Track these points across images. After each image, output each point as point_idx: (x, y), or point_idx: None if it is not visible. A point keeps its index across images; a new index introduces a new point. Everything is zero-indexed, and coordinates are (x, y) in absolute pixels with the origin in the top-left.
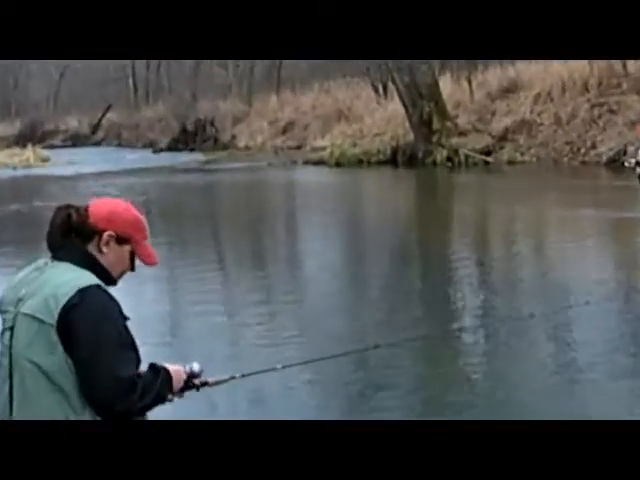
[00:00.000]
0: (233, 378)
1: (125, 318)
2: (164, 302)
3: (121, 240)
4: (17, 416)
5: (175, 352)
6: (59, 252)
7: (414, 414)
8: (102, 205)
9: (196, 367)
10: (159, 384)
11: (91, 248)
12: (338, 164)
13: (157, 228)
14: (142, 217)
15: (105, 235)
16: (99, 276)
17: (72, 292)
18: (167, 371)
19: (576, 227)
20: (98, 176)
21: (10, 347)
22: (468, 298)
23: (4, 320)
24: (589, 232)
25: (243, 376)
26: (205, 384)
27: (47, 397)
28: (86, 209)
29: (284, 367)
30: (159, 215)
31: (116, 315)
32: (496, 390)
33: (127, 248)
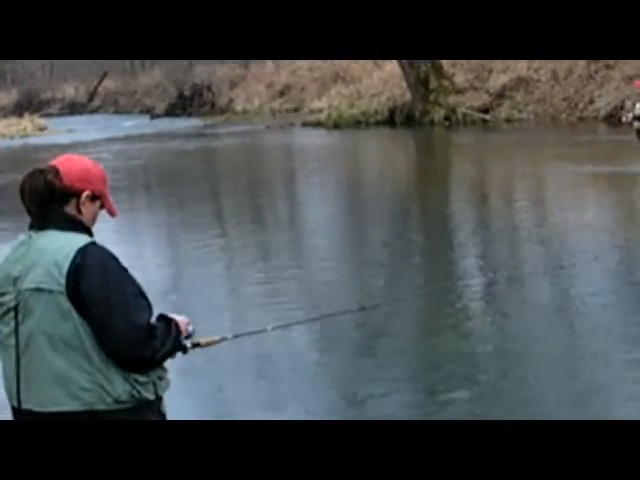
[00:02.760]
0: (224, 339)
1: (124, 269)
2: (163, 264)
3: (94, 197)
4: (29, 396)
5: (171, 309)
6: (42, 221)
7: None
8: (72, 164)
9: (190, 328)
10: (174, 332)
11: (69, 209)
12: (336, 125)
13: (155, 192)
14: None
15: (83, 196)
16: (83, 232)
17: (72, 254)
18: (176, 322)
19: (574, 182)
20: (95, 144)
21: (17, 326)
22: (468, 256)
23: (2, 303)
24: (587, 187)
25: (235, 337)
26: (197, 345)
27: (67, 364)
28: (57, 170)
29: (274, 329)
30: (157, 179)
31: (120, 267)
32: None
33: (97, 204)
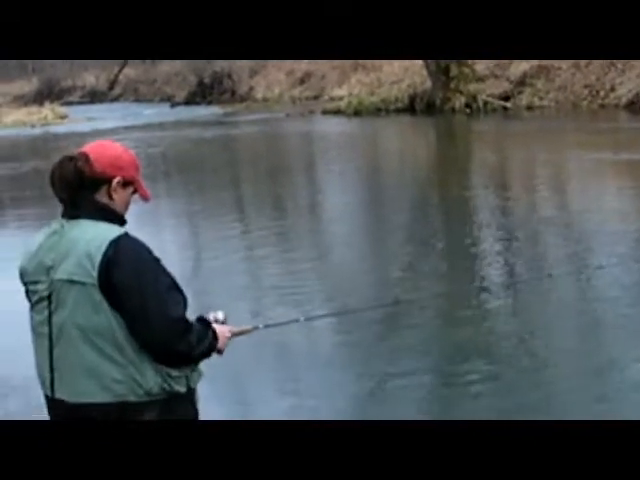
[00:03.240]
0: (256, 328)
1: (157, 260)
2: (183, 252)
3: (126, 183)
4: (62, 386)
5: (196, 298)
6: (74, 210)
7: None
8: (103, 150)
9: (221, 315)
10: (211, 334)
11: (100, 197)
12: (356, 113)
13: (175, 179)
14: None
15: (114, 182)
16: (116, 222)
17: (104, 246)
18: (214, 329)
19: (597, 170)
20: (116, 132)
21: (50, 315)
22: (490, 246)
23: (35, 291)
24: (607, 174)
25: (266, 327)
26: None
27: (98, 355)
28: (87, 157)
29: (307, 319)
30: (177, 167)
31: (153, 259)
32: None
33: (130, 190)
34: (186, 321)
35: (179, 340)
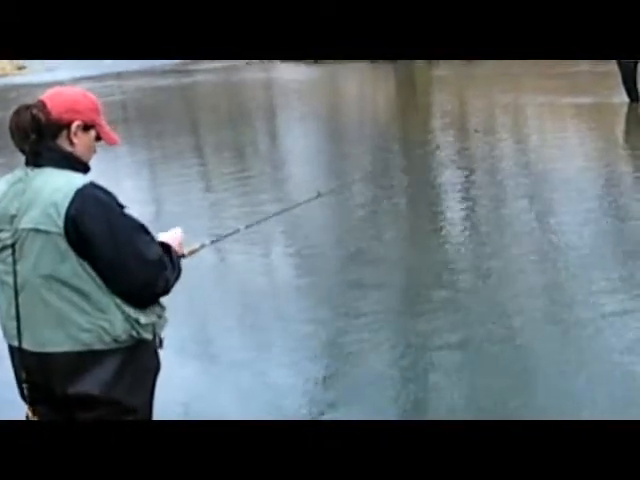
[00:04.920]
0: (203, 246)
1: (122, 206)
2: (146, 194)
3: (87, 127)
4: (27, 336)
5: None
6: (37, 158)
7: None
8: (59, 96)
9: (177, 232)
10: (174, 255)
11: (61, 143)
12: (316, 60)
13: (134, 127)
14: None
15: (73, 126)
16: (80, 170)
17: (70, 195)
18: (169, 245)
19: (555, 114)
20: (76, 81)
21: (14, 264)
22: (450, 190)
23: None
24: (568, 118)
25: (212, 242)
26: (182, 256)
27: (65, 304)
28: (44, 104)
29: (247, 227)
30: (137, 115)
31: (119, 205)
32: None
33: (92, 133)
34: (161, 259)
35: (158, 279)
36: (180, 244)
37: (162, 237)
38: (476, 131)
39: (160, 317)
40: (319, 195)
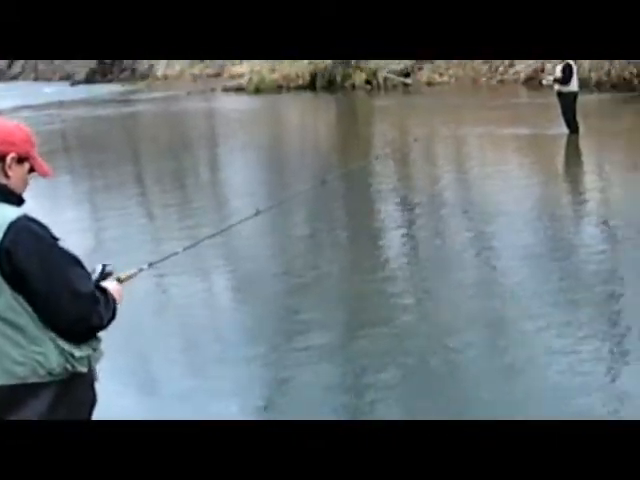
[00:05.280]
0: (142, 270)
1: (56, 239)
2: (84, 226)
3: (21, 159)
4: None
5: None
6: None
7: None
8: None
9: (109, 267)
10: (110, 296)
11: None
12: (257, 90)
13: (75, 157)
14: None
15: (8, 159)
16: (14, 202)
17: (4, 228)
18: (109, 290)
19: (495, 145)
20: (15, 111)
21: None
22: (391, 218)
23: None
24: (508, 149)
25: (151, 265)
26: (118, 280)
27: (1, 338)
28: None
29: (185, 249)
30: (77, 145)
31: (53, 238)
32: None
33: (26, 166)
34: (94, 293)
35: (91, 314)
36: (119, 292)
37: (105, 284)
38: (415, 140)
39: (95, 350)
40: (257, 213)
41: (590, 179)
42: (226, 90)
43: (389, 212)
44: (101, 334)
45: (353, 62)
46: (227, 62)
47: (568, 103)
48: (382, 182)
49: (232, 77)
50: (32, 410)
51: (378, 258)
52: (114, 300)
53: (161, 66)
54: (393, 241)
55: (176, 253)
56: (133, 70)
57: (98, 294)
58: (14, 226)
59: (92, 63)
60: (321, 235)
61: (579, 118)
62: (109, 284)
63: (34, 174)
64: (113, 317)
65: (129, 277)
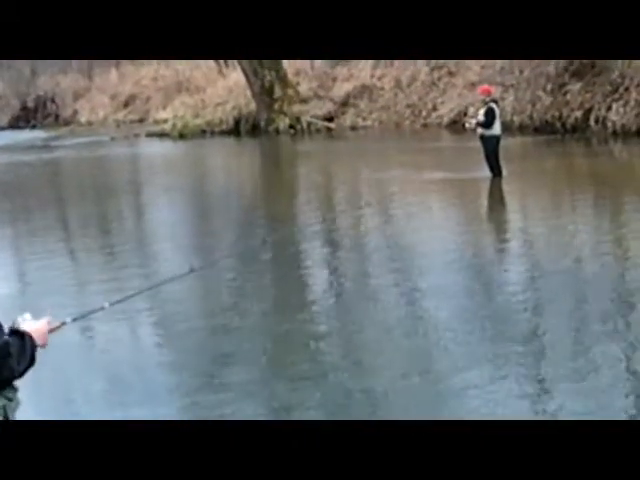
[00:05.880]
0: (64, 324)
1: None
2: (8, 271)
3: None
4: None
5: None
6: None
7: None
8: None
9: (28, 317)
10: (29, 347)
11: None
12: (181, 135)
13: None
14: None
15: None
16: None
17: None
18: (30, 336)
19: (419, 188)
20: None
21: None
22: (316, 264)
23: None
24: (432, 193)
25: (74, 320)
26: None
27: None
28: None
29: (111, 304)
30: (1, 191)
31: None
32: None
33: None
34: (3, 346)
35: (1, 368)
36: (44, 334)
37: (26, 324)
38: (367, 204)
39: (11, 400)
40: (191, 271)
41: (512, 219)
42: (149, 135)
43: (315, 253)
44: (18, 383)
45: (276, 107)
46: (151, 107)
47: (491, 147)
48: (306, 224)
49: (156, 122)
50: None
51: (302, 299)
52: (33, 346)
53: (85, 112)
54: (317, 282)
55: (102, 308)
56: (57, 116)
57: (12, 344)
58: None
59: (15, 109)
60: (248, 279)
61: (502, 161)
62: (33, 324)
63: None
64: (32, 363)
65: (52, 330)
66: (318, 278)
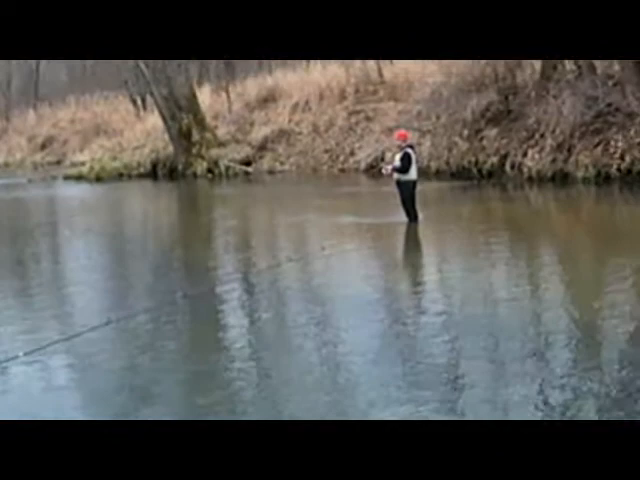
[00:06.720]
0: None
1: None
2: None
3: None
4: None
5: None
6: None
7: None
8: None
9: None
10: None
11: None
12: (98, 178)
13: None
14: None
15: None
16: None
17: None
18: None
19: (337, 233)
20: None
21: None
22: (231, 314)
23: None
24: (348, 237)
25: None
26: None
27: None
28: None
29: (25, 354)
30: None
31: None
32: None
33: None
34: None
35: None
36: None
37: None
38: (323, 249)
39: None
40: (109, 322)
41: (427, 263)
42: (67, 178)
43: (230, 296)
44: None
45: (194, 151)
46: (68, 150)
47: (407, 192)
48: (218, 267)
49: (73, 165)
50: None
51: (217, 341)
52: None
53: (2, 153)
54: (235, 326)
55: (16, 357)
56: None
57: None
58: None
59: None
60: (160, 320)
61: (419, 206)
62: None
63: None
64: None
65: None
66: (234, 320)
